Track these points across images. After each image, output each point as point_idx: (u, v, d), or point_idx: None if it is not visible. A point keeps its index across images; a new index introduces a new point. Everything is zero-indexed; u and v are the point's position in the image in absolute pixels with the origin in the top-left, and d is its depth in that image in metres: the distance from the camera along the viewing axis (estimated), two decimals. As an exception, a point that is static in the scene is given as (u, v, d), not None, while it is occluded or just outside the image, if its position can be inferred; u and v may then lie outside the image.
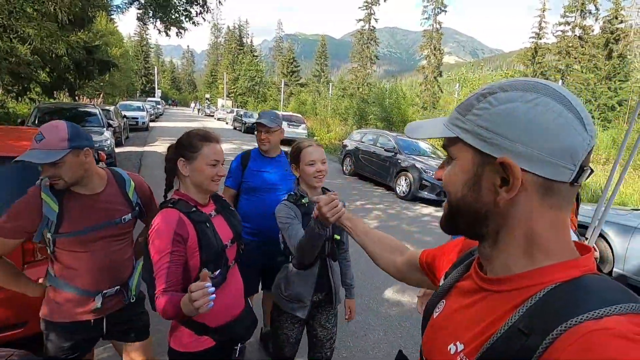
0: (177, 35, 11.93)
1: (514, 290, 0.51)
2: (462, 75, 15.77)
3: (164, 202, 1.36)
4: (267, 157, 2.30)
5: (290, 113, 18.22)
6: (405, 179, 8.21)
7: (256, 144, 2.34)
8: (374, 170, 9.48)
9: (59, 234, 1.42)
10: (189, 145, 1.34)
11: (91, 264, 1.49)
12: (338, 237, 1.74)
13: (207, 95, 56.91)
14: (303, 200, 1.68)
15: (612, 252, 4.06)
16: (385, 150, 9.17)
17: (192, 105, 49.60)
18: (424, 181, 7.81)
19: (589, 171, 0.51)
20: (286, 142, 16.85)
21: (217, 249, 1.33)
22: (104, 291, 1.53)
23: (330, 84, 35.04)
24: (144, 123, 16.72)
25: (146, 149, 11.64)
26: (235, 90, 51.48)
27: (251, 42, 65.21)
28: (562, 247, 0.52)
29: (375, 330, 3.02)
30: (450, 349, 0.56)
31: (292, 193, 1.72)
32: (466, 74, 16.26)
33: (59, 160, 1.32)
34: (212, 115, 37.52)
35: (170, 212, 1.29)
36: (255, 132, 2.30)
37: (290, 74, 48.75)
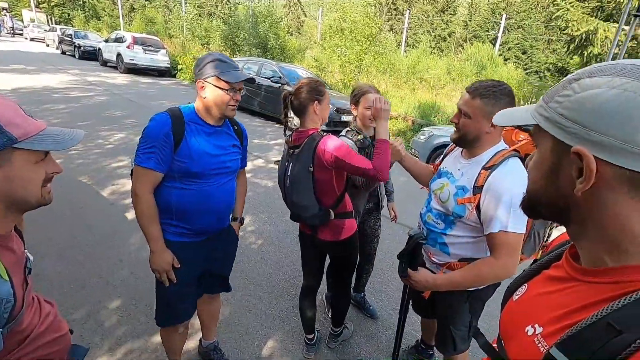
0: None
1: (612, 284, 0.49)
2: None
3: (329, 132, 1.76)
4: (213, 126, 1.59)
5: (145, 35, 15.15)
6: (297, 110, 8.24)
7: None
8: (262, 103, 9.05)
9: (11, 323, 0.82)
10: (319, 91, 1.74)
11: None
12: None
13: (4, 4, 41.32)
14: (359, 137, 1.98)
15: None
16: (271, 81, 8.76)
17: (1, 19, 31.23)
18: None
19: None
20: (142, 72, 14.25)
21: None
22: None
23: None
24: None
25: None
26: (47, -1, 38.76)
27: None
28: None
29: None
30: (527, 330, 0.56)
31: (349, 129, 2.05)
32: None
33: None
34: (21, 34, 28.14)
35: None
36: (217, 91, 1.51)
37: (127, -18, 39.27)
